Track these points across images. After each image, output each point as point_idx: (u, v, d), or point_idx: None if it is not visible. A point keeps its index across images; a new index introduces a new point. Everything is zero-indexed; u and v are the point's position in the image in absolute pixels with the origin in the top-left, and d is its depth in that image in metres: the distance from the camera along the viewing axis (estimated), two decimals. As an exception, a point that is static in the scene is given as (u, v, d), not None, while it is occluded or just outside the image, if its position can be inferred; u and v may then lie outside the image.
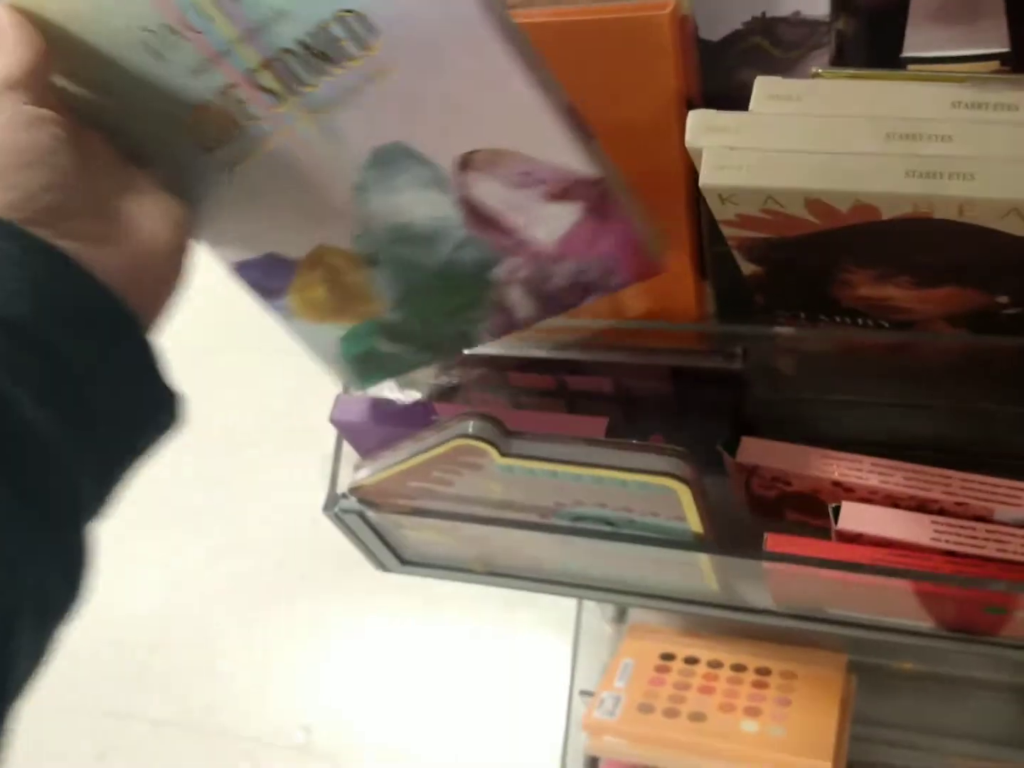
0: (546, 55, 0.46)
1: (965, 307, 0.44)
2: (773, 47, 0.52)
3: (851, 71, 0.39)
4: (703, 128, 0.38)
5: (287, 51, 0.36)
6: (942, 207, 0.35)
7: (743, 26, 0.51)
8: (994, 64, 0.44)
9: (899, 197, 0.35)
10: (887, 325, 0.47)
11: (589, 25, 0.45)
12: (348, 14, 0.35)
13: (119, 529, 0.46)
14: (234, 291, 0.46)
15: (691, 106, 0.47)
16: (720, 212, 0.39)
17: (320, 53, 0.36)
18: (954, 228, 0.36)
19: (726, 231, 0.41)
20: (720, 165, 0.37)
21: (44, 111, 0.32)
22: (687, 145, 0.39)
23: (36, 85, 0.32)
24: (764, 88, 0.38)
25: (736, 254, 0.44)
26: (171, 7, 0.35)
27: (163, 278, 0.35)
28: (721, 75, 0.53)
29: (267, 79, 0.37)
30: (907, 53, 0.46)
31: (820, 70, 0.40)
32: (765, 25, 0.51)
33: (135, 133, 0.38)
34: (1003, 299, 0.42)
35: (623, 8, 0.44)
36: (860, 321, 0.49)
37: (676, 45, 0.44)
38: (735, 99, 0.51)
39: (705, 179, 0.37)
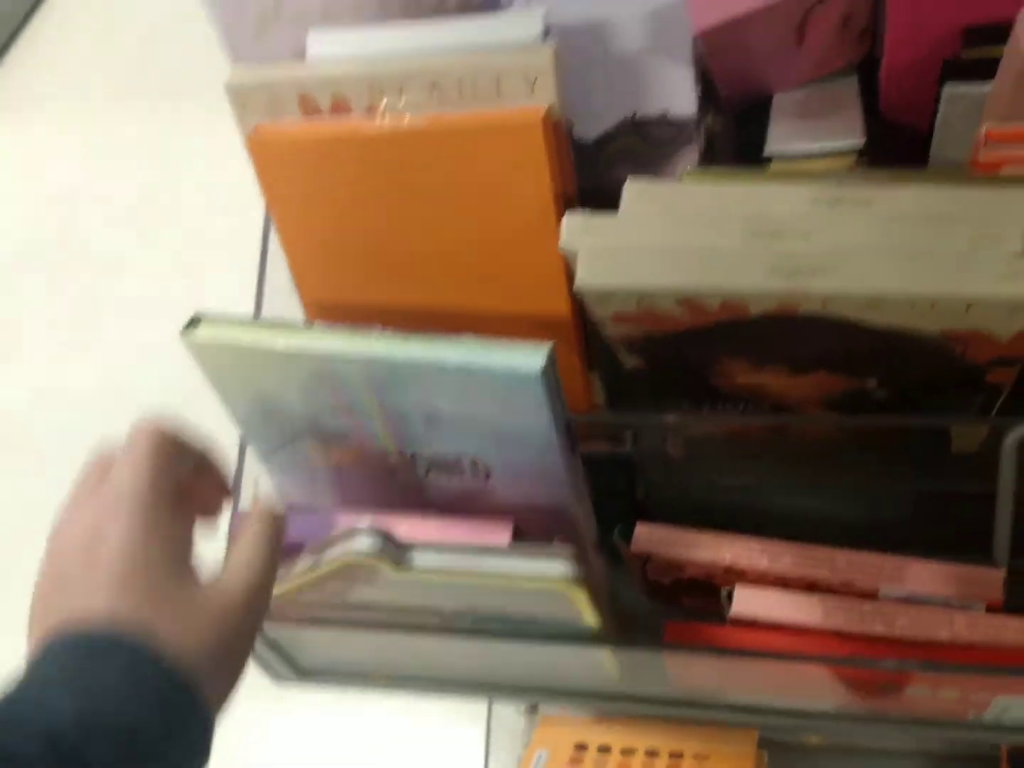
0: (427, 160, 0.47)
1: (837, 391, 0.45)
2: (645, 145, 0.54)
3: (717, 171, 0.41)
4: (577, 230, 0.39)
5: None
6: (806, 302, 0.36)
7: (615, 127, 0.53)
8: (851, 157, 0.47)
9: (764, 294, 0.36)
10: (767, 410, 0.49)
11: (466, 132, 0.46)
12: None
13: None
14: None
15: (569, 205, 0.48)
16: (597, 311, 0.40)
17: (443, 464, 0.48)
18: (819, 320, 0.37)
19: (606, 329, 0.42)
20: (594, 267, 0.38)
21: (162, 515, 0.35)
22: (562, 248, 0.39)
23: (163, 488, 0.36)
24: (634, 190, 0.39)
25: (618, 351, 0.45)
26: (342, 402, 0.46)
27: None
28: (597, 174, 0.55)
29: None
30: (770, 149, 0.48)
31: (688, 170, 0.41)
32: (636, 125, 0.53)
33: None
34: (871, 383, 0.44)
35: (498, 116, 0.45)
36: (741, 406, 0.50)
37: (550, 149, 0.45)
38: (612, 196, 0.53)
39: (580, 281, 0.38)
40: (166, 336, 0.54)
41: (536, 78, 0.45)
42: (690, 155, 0.54)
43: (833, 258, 0.35)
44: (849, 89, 0.52)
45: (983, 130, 0.38)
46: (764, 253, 0.36)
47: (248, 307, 0.59)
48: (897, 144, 0.50)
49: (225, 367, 0.48)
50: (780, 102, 0.53)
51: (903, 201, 0.36)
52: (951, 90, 0.43)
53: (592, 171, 0.54)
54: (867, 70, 0.52)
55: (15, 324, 1.52)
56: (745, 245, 0.36)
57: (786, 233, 0.36)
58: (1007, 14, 0.41)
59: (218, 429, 0.54)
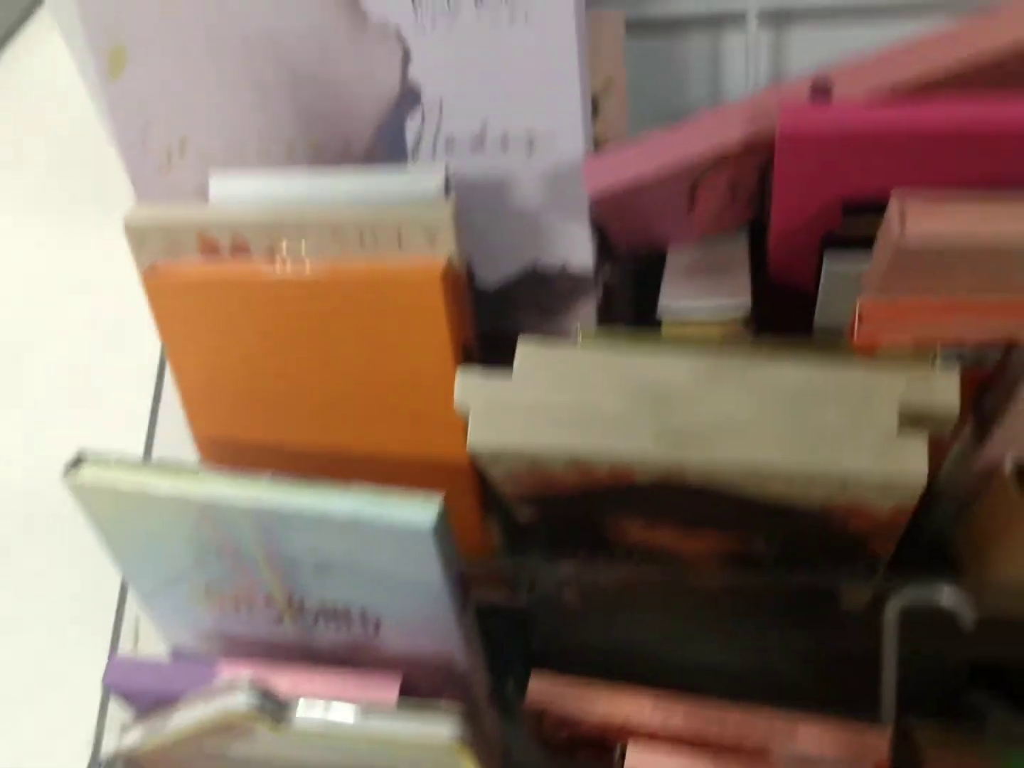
0: (326, 306, 0.47)
1: (727, 549, 0.45)
2: (545, 295, 0.55)
3: (609, 334, 0.42)
4: (471, 388, 0.39)
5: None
6: (690, 471, 0.36)
7: (516, 276, 0.54)
8: (739, 319, 0.48)
9: (650, 462, 0.36)
10: (661, 563, 0.49)
11: (366, 281, 0.46)
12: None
13: None
14: None
15: (467, 353, 0.49)
16: (489, 468, 0.40)
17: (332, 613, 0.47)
18: (705, 488, 0.37)
19: (499, 486, 0.42)
20: (485, 427, 0.38)
21: None
22: (455, 404, 0.39)
23: None
24: (527, 351, 0.40)
25: (512, 505, 0.45)
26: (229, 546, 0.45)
27: None
28: (497, 319, 0.56)
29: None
30: (662, 308, 0.49)
31: (582, 331, 0.42)
32: (536, 275, 0.54)
33: None
34: (758, 544, 0.44)
35: (398, 267, 0.45)
36: (636, 559, 0.50)
37: (448, 301, 0.45)
38: (511, 341, 0.53)
39: (471, 440, 0.38)
40: (52, 465, 0.52)
41: (436, 232, 0.45)
42: (588, 305, 0.55)
43: (716, 429, 0.36)
44: (739, 249, 0.54)
45: (859, 307, 0.40)
46: (651, 421, 0.36)
47: (139, 439, 0.57)
48: (785, 303, 0.52)
49: (108, 508, 0.46)
50: (674, 259, 0.54)
51: (784, 375, 0.37)
52: (831, 263, 0.45)
53: (492, 316, 0.55)
54: (759, 229, 0.54)
55: None
56: (633, 412, 0.37)
57: (672, 401, 0.37)
58: (886, 191, 0.44)
59: (97, 567, 0.51)
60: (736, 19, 0.53)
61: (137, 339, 0.64)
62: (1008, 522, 0.45)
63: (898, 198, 0.37)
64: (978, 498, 0.47)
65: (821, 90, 0.44)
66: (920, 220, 0.36)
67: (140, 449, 0.57)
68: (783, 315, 0.51)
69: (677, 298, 0.49)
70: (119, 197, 0.52)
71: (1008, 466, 0.43)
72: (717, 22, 0.54)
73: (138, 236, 0.48)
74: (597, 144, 0.51)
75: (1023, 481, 0.43)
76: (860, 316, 0.39)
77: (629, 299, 0.59)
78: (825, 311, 0.48)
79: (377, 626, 0.47)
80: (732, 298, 0.48)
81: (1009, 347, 0.39)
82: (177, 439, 0.56)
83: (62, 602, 0.45)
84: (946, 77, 0.43)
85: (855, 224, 0.46)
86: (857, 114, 0.42)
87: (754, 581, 0.45)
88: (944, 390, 0.36)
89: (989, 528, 0.47)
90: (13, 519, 0.76)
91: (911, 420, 0.36)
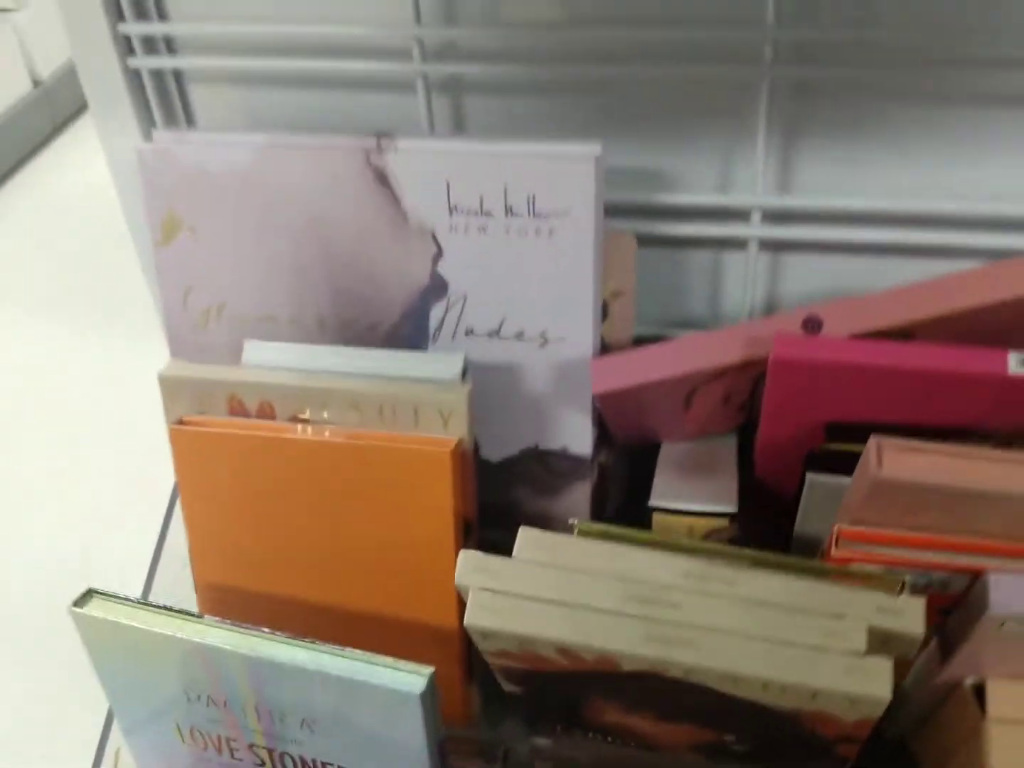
0: (340, 471, 0.50)
1: (701, 740, 0.47)
2: (544, 473, 0.58)
3: (603, 527, 0.45)
4: (471, 568, 0.42)
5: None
6: (672, 668, 0.39)
7: (519, 453, 0.58)
8: (724, 521, 0.52)
9: (635, 656, 0.39)
10: (635, 746, 0.50)
11: (380, 452, 0.49)
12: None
13: None
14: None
15: (468, 528, 0.52)
16: (481, 644, 0.42)
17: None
18: (684, 683, 0.40)
19: (488, 658, 0.44)
20: (482, 607, 0.40)
21: None
22: (456, 583, 0.42)
23: None
24: (526, 538, 0.43)
25: (497, 675, 0.47)
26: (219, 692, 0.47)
27: None
28: (499, 491, 0.59)
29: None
30: (653, 502, 0.53)
31: (578, 524, 0.45)
32: (538, 455, 0.57)
33: None
34: (730, 737, 0.46)
35: (412, 443, 0.49)
36: (611, 739, 0.51)
37: (455, 479, 0.49)
38: (511, 512, 0.56)
39: (468, 619, 0.40)
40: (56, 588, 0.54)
41: (451, 414, 0.49)
42: (584, 485, 0.59)
43: (698, 632, 0.39)
44: (729, 451, 0.57)
45: (836, 529, 0.43)
46: (638, 618, 0.39)
47: (140, 572, 0.59)
48: (768, 505, 0.56)
49: (107, 640, 0.48)
50: (667, 452, 0.58)
51: (764, 587, 0.40)
52: (812, 478, 0.49)
53: (495, 488, 0.58)
54: (748, 433, 0.58)
55: None
56: (622, 608, 0.40)
57: (659, 602, 0.40)
58: (866, 415, 0.48)
59: (84, 694, 0.53)
60: (739, 244, 0.59)
61: (150, 476, 0.67)
62: (966, 736, 0.47)
63: (876, 439, 0.41)
64: (939, 709, 0.50)
65: (812, 324, 0.49)
66: (895, 460, 0.40)
67: (140, 581, 0.59)
68: (766, 515, 0.54)
69: (668, 495, 0.53)
70: (138, 314, 0.55)
71: (968, 684, 0.46)
72: (721, 244, 0.60)
73: (171, 389, 0.51)
74: (604, 343, 0.56)
75: (981, 699, 0.45)
76: (836, 539, 0.43)
77: (623, 480, 0.63)
78: (804, 520, 0.51)
79: (353, 787, 0.48)
80: (719, 503, 0.52)
81: (974, 577, 0.42)
82: (176, 577, 0.58)
83: (45, 726, 0.47)
84: (922, 324, 0.48)
85: (836, 444, 0.50)
86: (842, 348, 0.47)
87: (723, 775, 0.47)
88: (911, 618, 0.39)
89: (948, 739, 0.49)
90: (11, 638, 0.76)
91: (878, 641, 0.39)
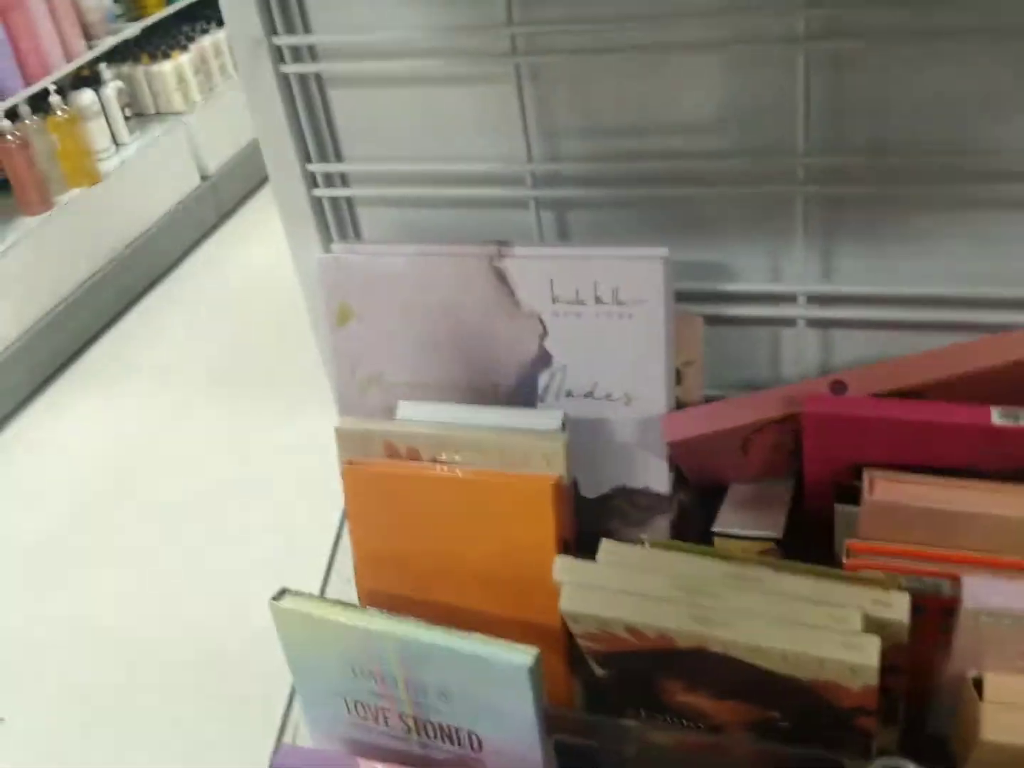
0: (470, 501, 0.65)
1: (751, 718, 0.60)
2: (631, 507, 0.72)
3: (667, 542, 0.58)
4: (565, 569, 0.56)
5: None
6: (713, 643, 0.52)
7: (610, 490, 0.72)
8: (768, 544, 0.64)
9: (685, 633, 0.52)
10: (703, 728, 0.63)
11: (498, 486, 0.64)
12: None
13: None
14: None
15: (567, 547, 0.66)
16: (573, 628, 0.57)
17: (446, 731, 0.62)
18: (725, 657, 0.53)
19: (579, 642, 0.58)
20: (573, 597, 0.55)
21: None
22: (554, 579, 0.56)
23: None
24: (608, 548, 0.57)
25: (589, 659, 0.60)
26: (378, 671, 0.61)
27: None
28: (595, 522, 0.73)
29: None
30: (714, 528, 0.66)
31: (651, 539, 0.59)
32: (625, 492, 0.72)
33: None
34: (774, 714, 0.58)
35: (522, 479, 0.64)
36: (684, 722, 0.64)
37: (556, 508, 0.63)
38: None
39: (563, 604, 0.55)
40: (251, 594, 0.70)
41: (552, 458, 0.64)
42: (664, 518, 0.72)
43: (732, 615, 0.52)
44: (784, 491, 0.70)
45: (846, 544, 0.56)
46: (686, 604, 0.53)
47: (314, 585, 0.76)
48: (818, 533, 0.68)
49: (296, 630, 0.64)
50: (734, 491, 0.71)
51: (786, 584, 0.53)
52: (840, 508, 0.61)
53: (592, 520, 0.72)
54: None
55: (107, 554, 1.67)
56: (674, 596, 0.53)
57: (703, 592, 0.53)
58: (885, 458, 0.60)
59: (275, 676, 0.69)
60: (790, 322, 0.72)
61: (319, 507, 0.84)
62: (974, 726, 0.58)
63: (869, 472, 0.54)
64: (957, 703, 0.61)
65: (838, 387, 0.62)
66: (884, 488, 0.53)
67: (316, 588, 0.75)
68: (817, 541, 0.66)
69: (726, 523, 0.66)
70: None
71: (969, 676, 0.57)
72: (775, 322, 0.73)
73: (342, 439, 0.68)
74: (679, 402, 0.70)
75: (981, 691, 0.56)
76: (847, 552, 0.55)
77: (697, 517, 0.76)
78: (839, 541, 0.63)
79: (479, 746, 0.62)
80: (766, 530, 0.65)
81: (957, 582, 0.54)
82: (339, 590, 0.74)
83: (239, 702, 0.63)
84: (932, 385, 0.60)
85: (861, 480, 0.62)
86: (859, 405, 0.60)
87: (771, 749, 0.59)
88: (897, 608, 0.51)
89: (965, 731, 0.60)
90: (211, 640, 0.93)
91: (872, 626, 0.51)
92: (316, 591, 0.73)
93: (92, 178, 2.63)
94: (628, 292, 0.66)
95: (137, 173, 2.79)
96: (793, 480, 0.71)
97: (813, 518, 0.69)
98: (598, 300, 0.67)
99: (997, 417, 0.57)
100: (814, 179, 0.66)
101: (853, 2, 0.57)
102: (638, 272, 0.65)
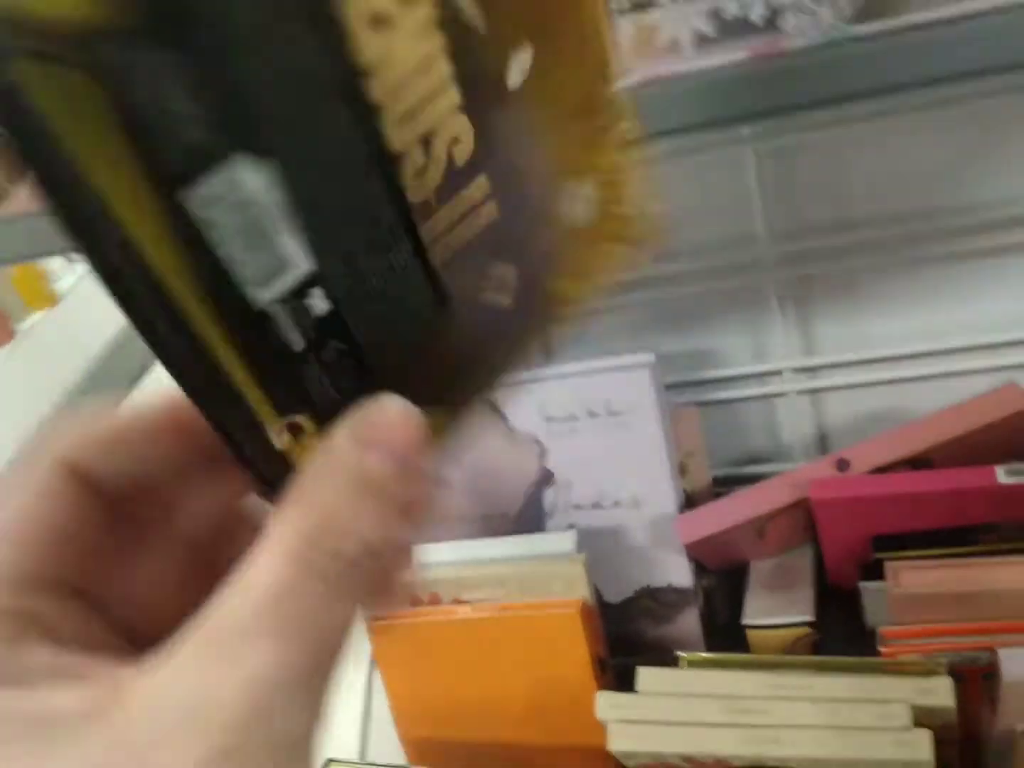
0: (497, 636, 0.65)
1: None
2: (657, 605, 0.72)
3: (704, 656, 0.58)
4: (608, 705, 0.56)
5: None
6: (768, 760, 0.52)
7: (634, 593, 0.72)
8: (803, 630, 0.64)
9: (739, 757, 0.52)
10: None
11: (524, 619, 0.64)
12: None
13: None
14: None
15: (602, 664, 0.66)
16: (626, 762, 0.56)
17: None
18: (782, 771, 0.53)
19: (633, 770, 0.58)
20: (621, 734, 0.54)
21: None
22: (598, 718, 0.56)
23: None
24: (645, 676, 0.57)
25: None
26: None
27: None
28: (623, 626, 0.73)
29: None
30: (746, 621, 0.66)
31: (682, 655, 0.59)
32: (650, 592, 0.72)
33: None
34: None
35: (547, 607, 0.64)
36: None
37: (586, 629, 0.63)
38: (635, 641, 0.70)
39: (612, 745, 0.55)
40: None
41: (573, 581, 0.64)
42: (691, 611, 0.72)
43: (782, 731, 0.52)
44: (806, 562, 0.70)
45: (880, 632, 0.56)
46: (736, 726, 0.53)
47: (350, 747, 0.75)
48: (845, 606, 0.68)
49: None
50: (756, 571, 0.71)
51: (830, 687, 0.53)
52: (865, 586, 0.62)
53: (619, 623, 0.72)
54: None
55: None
56: (724, 720, 0.53)
57: (751, 711, 0.53)
58: (900, 527, 0.60)
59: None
60: (781, 396, 0.73)
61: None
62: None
63: (892, 565, 0.54)
64: (1008, 753, 0.61)
65: (842, 465, 0.62)
66: (908, 578, 0.53)
67: (356, 743, 0.74)
68: (844, 614, 0.67)
69: (757, 614, 0.66)
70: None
71: (1019, 729, 0.57)
72: (768, 396, 0.74)
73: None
74: (687, 492, 0.70)
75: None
76: (881, 638, 0.56)
77: (727, 596, 0.76)
78: (872, 617, 0.63)
79: None
80: (799, 615, 0.65)
81: (992, 651, 0.54)
82: (384, 733, 0.73)
83: None
84: (934, 449, 0.61)
85: (883, 553, 0.63)
86: (864, 484, 0.60)
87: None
88: (942, 695, 0.51)
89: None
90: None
91: (920, 715, 0.51)
92: (354, 754, 0.72)
93: (50, 300, 2.62)
94: (620, 402, 0.66)
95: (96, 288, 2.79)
96: (812, 547, 0.72)
97: (839, 589, 0.69)
98: (591, 414, 0.67)
99: (1003, 476, 0.57)
100: (782, 263, 0.66)
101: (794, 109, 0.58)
102: (627, 382, 0.66)
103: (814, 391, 0.73)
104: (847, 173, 0.63)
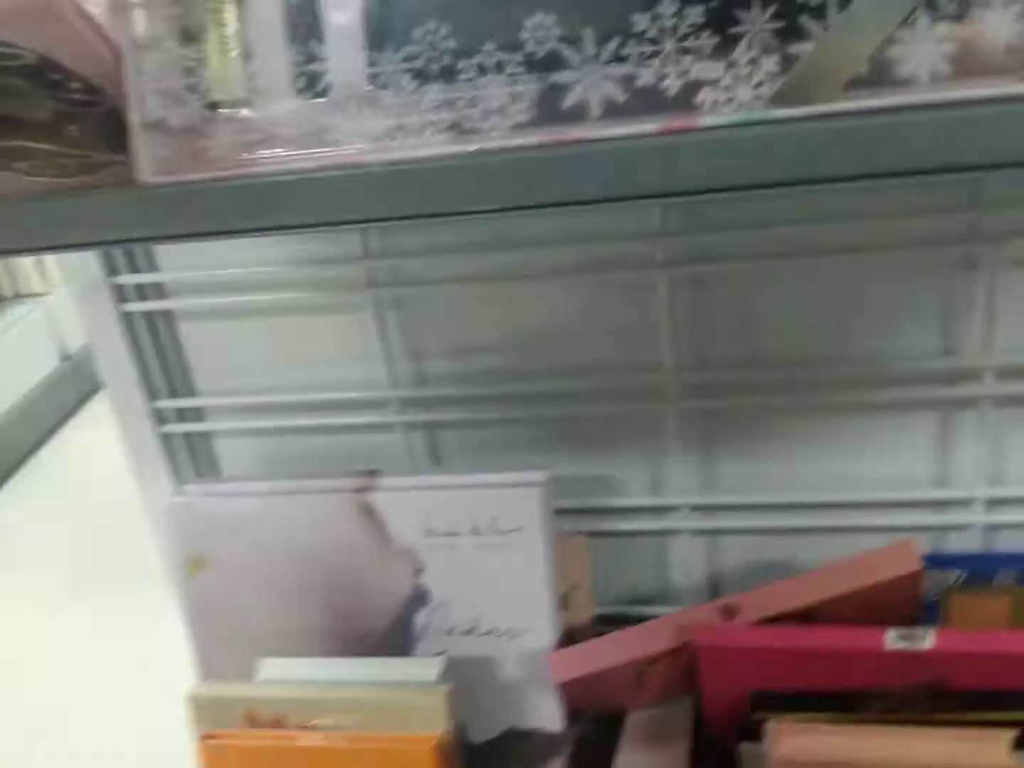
0: (347, 765, 0.59)
1: None
2: (524, 750, 0.67)
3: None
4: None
5: None
6: None
7: (500, 733, 0.66)
8: (676, 790, 0.59)
9: None
10: None
11: (376, 751, 0.58)
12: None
13: None
14: None
15: None
16: None
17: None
18: None
19: None
20: None
21: None
22: None
23: None
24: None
25: None
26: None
27: None
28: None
29: None
30: (616, 774, 0.61)
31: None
32: (517, 734, 0.66)
33: None
34: None
35: (401, 739, 0.58)
36: None
37: (439, 766, 0.57)
38: None
39: None
40: None
41: (433, 714, 0.58)
42: (559, 759, 0.67)
43: None
44: (684, 716, 0.66)
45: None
46: None
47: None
48: (724, 761, 0.63)
49: None
50: (632, 722, 0.67)
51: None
52: (743, 747, 0.57)
53: (481, 766, 0.66)
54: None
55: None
56: None
57: None
58: (780, 684, 0.57)
59: None
60: (674, 533, 0.70)
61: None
62: None
63: (774, 725, 0.50)
64: None
65: (728, 612, 0.59)
66: (789, 742, 0.49)
67: None
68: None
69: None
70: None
71: None
72: (661, 534, 0.71)
73: (198, 707, 0.61)
74: (568, 630, 0.66)
75: None
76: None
77: (597, 747, 0.70)
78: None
79: None
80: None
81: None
82: None
83: None
84: (820, 605, 0.58)
85: (761, 712, 0.59)
86: (751, 635, 0.57)
87: None
88: None
89: None
90: None
91: None
92: None
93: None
94: (506, 521, 0.62)
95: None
96: (693, 699, 0.67)
97: (719, 746, 0.64)
98: (475, 531, 0.63)
99: (892, 640, 0.54)
100: (685, 394, 0.64)
101: (707, 229, 0.58)
102: (515, 499, 0.62)
103: (710, 532, 0.70)
104: (759, 309, 0.62)
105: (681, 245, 0.59)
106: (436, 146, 0.27)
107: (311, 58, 0.28)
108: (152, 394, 0.68)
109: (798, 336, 0.63)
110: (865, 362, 0.62)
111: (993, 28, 0.26)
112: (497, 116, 0.26)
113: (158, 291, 0.66)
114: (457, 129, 0.27)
